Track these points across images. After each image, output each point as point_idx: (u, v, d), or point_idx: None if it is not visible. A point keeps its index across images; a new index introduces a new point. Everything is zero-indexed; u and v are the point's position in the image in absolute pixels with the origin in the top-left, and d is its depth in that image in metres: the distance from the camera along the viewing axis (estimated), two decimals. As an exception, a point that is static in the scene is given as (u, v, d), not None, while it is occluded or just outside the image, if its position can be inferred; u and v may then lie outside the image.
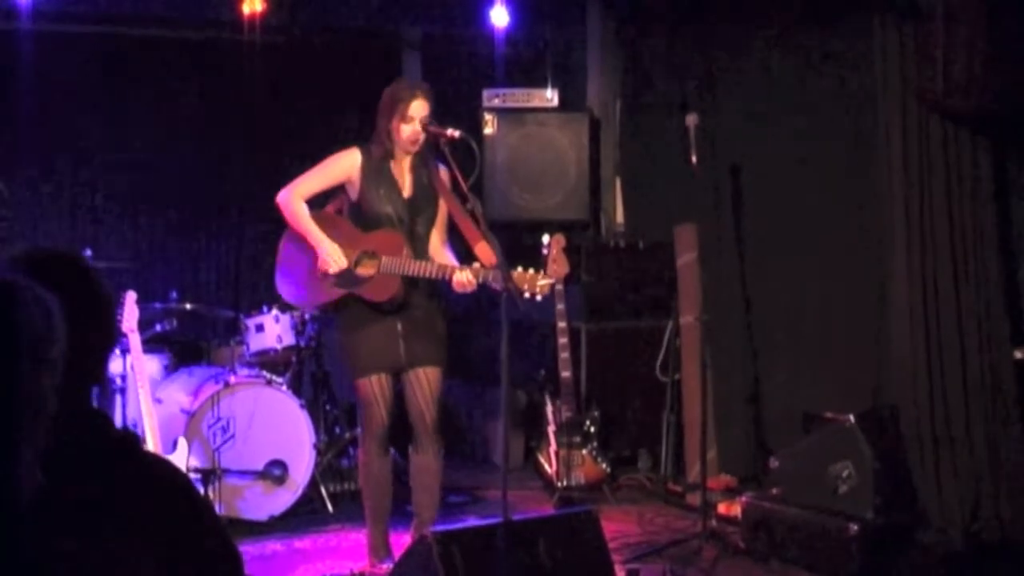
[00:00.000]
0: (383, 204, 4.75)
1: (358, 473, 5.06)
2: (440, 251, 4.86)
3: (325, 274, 4.76)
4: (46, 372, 1.52)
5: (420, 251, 4.77)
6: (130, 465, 1.80)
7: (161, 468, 1.87)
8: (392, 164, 4.80)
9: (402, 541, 5.01)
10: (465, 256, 4.81)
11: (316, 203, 4.92)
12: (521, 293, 4.49)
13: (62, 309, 1.57)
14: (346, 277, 4.75)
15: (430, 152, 4.78)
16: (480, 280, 4.58)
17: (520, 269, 4.55)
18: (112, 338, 1.91)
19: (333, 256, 4.72)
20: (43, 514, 1.53)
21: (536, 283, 4.53)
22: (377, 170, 4.77)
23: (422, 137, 4.72)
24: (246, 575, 1.93)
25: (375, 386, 4.79)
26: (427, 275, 4.67)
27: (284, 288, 4.96)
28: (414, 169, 4.82)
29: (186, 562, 1.78)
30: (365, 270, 4.73)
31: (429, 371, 4.85)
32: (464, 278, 4.58)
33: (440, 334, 4.89)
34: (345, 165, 4.80)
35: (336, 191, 4.92)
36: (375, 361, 4.78)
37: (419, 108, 4.69)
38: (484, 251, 4.56)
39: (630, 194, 7.54)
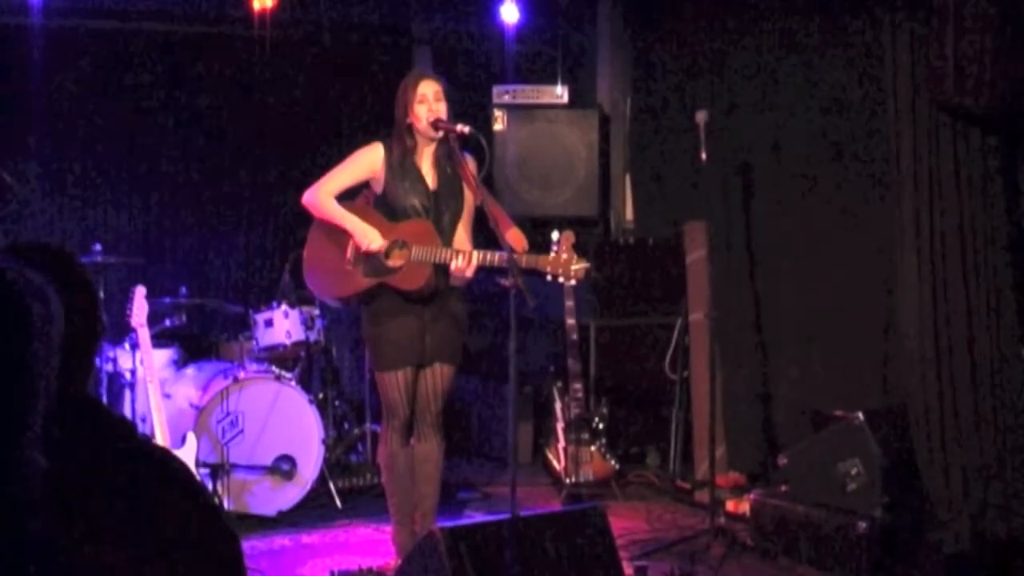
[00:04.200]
0: (409, 197, 4.73)
1: (381, 470, 5.01)
2: (466, 245, 4.82)
3: (356, 262, 4.75)
4: (48, 354, 1.54)
5: (446, 243, 4.75)
6: (127, 451, 1.81)
7: (157, 454, 1.88)
8: (416, 158, 4.79)
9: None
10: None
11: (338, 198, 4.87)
12: (554, 276, 4.44)
13: (57, 294, 1.59)
14: (377, 267, 4.73)
15: (455, 143, 4.71)
16: (525, 265, 4.44)
17: (553, 254, 4.50)
18: (99, 326, 1.92)
19: (369, 235, 4.70)
20: (48, 501, 1.54)
21: (570, 267, 4.48)
22: (401, 164, 4.76)
23: (443, 112, 4.68)
24: (243, 558, 1.93)
25: (399, 380, 4.79)
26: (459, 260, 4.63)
27: (314, 282, 4.94)
28: (438, 162, 4.80)
29: (185, 548, 1.79)
30: (395, 260, 4.71)
31: (445, 368, 4.86)
32: (477, 262, 4.52)
33: (462, 325, 4.90)
34: (369, 160, 4.79)
35: (360, 187, 4.91)
36: (400, 356, 4.77)
37: (428, 85, 4.71)
38: (515, 237, 4.53)
39: (640, 191, 7.53)
